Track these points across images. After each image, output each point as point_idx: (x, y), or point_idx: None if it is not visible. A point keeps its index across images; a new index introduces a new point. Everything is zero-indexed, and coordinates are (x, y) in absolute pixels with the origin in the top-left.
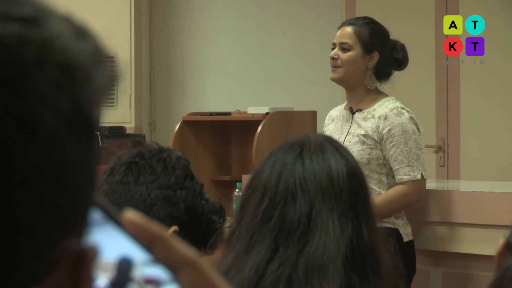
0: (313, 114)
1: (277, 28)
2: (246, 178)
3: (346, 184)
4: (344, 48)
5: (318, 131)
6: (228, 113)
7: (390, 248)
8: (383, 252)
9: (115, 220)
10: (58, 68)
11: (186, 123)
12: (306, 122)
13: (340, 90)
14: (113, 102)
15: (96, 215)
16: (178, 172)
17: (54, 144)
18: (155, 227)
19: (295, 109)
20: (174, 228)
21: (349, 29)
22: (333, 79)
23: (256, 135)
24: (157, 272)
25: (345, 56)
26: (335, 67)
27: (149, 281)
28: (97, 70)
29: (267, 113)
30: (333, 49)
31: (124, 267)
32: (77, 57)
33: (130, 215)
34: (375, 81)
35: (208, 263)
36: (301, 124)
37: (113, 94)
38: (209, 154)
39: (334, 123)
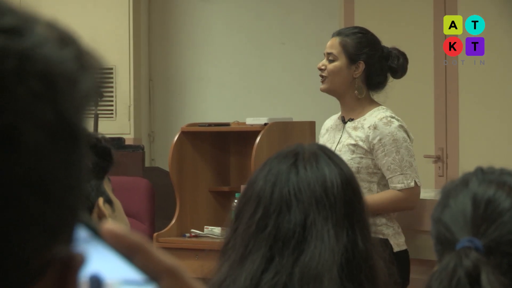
0: (312, 124)
1: (276, 39)
2: None
3: (341, 193)
4: (330, 58)
5: (317, 141)
6: (227, 124)
7: (386, 257)
8: (378, 260)
9: (95, 232)
10: (40, 79)
11: (185, 134)
12: (305, 133)
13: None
14: (112, 113)
15: (82, 232)
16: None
17: (37, 156)
18: (134, 236)
19: (294, 120)
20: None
21: (336, 39)
22: (321, 90)
23: (255, 145)
24: None
25: (330, 66)
26: (322, 77)
27: None
28: (81, 77)
29: (265, 124)
30: None
31: (94, 284)
32: (60, 65)
33: (109, 226)
34: (364, 90)
35: (188, 271)
36: (299, 135)
37: (112, 105)
38: (208, 164)
39: (328, 133)
